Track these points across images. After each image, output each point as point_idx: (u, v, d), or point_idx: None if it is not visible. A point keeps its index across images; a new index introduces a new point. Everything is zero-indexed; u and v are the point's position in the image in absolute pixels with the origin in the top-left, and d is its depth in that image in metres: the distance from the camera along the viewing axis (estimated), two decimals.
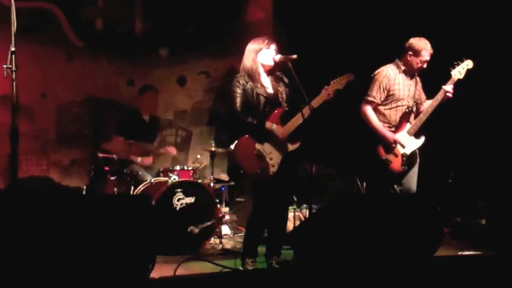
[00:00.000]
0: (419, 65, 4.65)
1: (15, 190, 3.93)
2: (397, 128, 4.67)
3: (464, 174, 6.10)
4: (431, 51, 4.62)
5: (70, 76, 6.63)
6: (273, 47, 4.11)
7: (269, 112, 4.07)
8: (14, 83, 3.67)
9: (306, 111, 3.97)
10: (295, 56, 4.03)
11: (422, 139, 4.67)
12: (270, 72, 4.17)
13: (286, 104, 4.14)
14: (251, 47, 4.13)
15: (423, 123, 4.67)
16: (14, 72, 3.66)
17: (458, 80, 4.66)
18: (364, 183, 5.44)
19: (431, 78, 4.84)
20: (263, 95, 4.07)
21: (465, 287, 3.05)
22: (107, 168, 5.27)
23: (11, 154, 3.71)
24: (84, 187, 5.38)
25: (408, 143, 4.64)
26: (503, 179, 5.87)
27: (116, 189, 5.15)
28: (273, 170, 4.01)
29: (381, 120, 4.68)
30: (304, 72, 4.11)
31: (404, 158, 4.60)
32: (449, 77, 4.67)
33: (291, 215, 5.39)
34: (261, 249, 4.23)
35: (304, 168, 5.07)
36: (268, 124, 4.02)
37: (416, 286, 2.98)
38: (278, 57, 4.09)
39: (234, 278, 3.33)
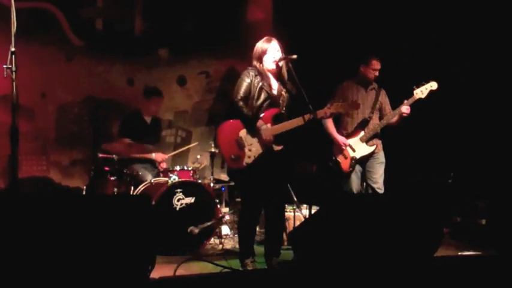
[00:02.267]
0: (371, 74, 5.07)
1: (15, 190, 3.93)
2: (351, 134, 5.12)
3: (464, 174, 6.09)
4: (378, 64, 5.05)
5: (70, 76, 6.62)
6: (276, 47, 4.09)
7: (265, 108, 4.08)
8: (14, 83, 3.66)
9: (308, 117, 3.95)
10: (295, 56, 4.02)
11: (373, 147, 5.08)
12: (278, 76, 4.16)
13: (284, 109, 4.14)
14: (256, 50, 4.13)
15: (376, 133, 5.10)
16: (14, 73, 3.66)
17: (420, 98, 4.97)
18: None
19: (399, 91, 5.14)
20: (266, 91, 4.07)
21: (465, 287, 3.05)
22: (107, 168, 5.26)
23: (11, 154, 3.71)
24: (84, 187, 5.37)
25: (359, 148, 5.08)
26: (503, 179, 5.87)
27: (116, 189, 5.15)
28: (247, 161, 4.02)
29: (342, 127, 5.15)
30: (304, 72, 4.11)
31: (353, 161, 5.07)
32: (411, 94, 4.98)
33: (291, 215, 5.39)
34: (261, 249, 4.23)
35: (304, 167, 5.14)
36: (259, 123, 4.02)
37: (417, 286, 2.98)
38: (278, 57, 4.08)
39: (234, 278, 3.32)
